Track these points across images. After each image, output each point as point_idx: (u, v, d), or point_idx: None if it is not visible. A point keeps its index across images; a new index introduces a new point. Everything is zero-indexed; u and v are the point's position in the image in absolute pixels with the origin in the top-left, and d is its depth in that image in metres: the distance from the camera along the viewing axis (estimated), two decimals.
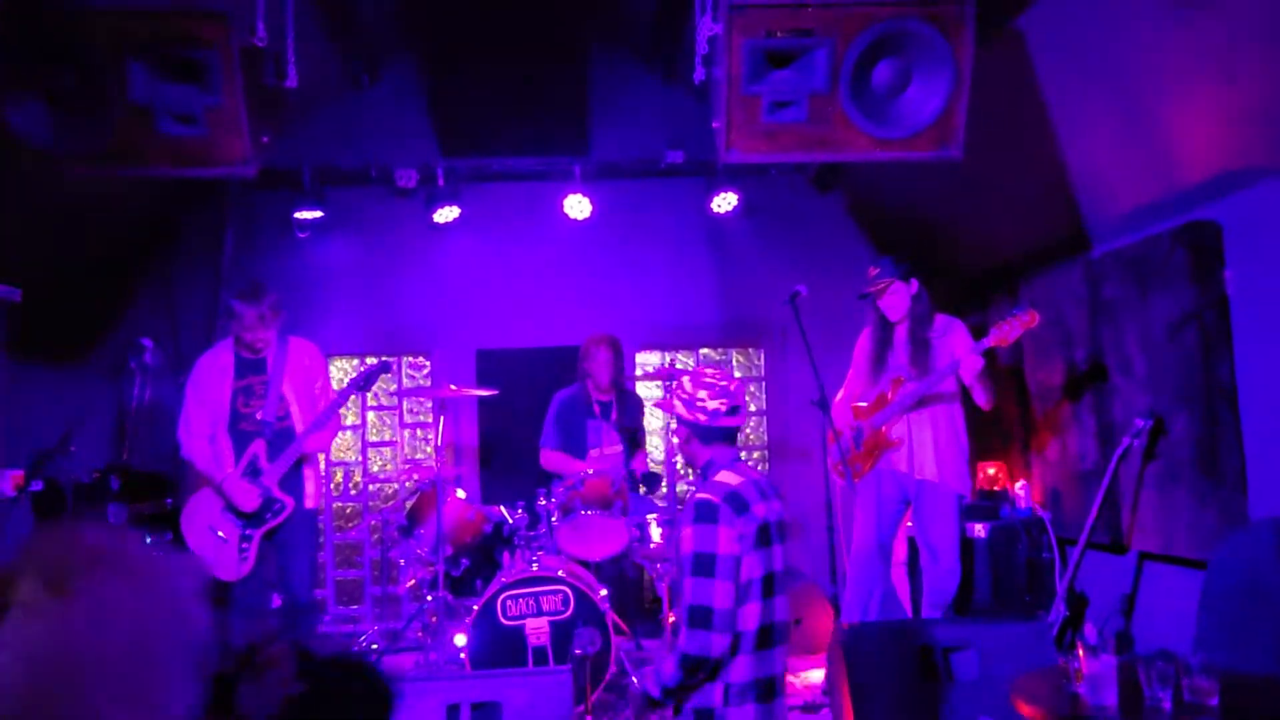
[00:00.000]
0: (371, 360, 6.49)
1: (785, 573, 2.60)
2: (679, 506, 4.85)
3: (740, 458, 2.73)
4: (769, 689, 2.50)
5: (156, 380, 5.81)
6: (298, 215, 5.84)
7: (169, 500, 5.25)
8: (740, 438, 6.66)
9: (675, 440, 2.77)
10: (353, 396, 4.86)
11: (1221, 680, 2.32)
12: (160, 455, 5.74)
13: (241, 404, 4.12)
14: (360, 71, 6.04)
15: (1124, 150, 3.94)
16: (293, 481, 4.13)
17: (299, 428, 4.14)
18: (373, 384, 4.35)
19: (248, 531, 4.03)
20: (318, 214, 5.85)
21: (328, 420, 4.20)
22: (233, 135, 3.52)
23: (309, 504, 4.19)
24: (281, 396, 4.15)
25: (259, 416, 4.10)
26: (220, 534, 4.03)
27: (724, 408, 2.64)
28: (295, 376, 4.20)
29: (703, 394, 2.65)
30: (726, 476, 2.57)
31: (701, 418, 2.64)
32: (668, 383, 2.81)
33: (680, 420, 2.69)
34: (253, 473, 4.04)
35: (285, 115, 4.06)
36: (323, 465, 5.12)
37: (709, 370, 2.74)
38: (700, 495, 2.50)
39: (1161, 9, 3.20)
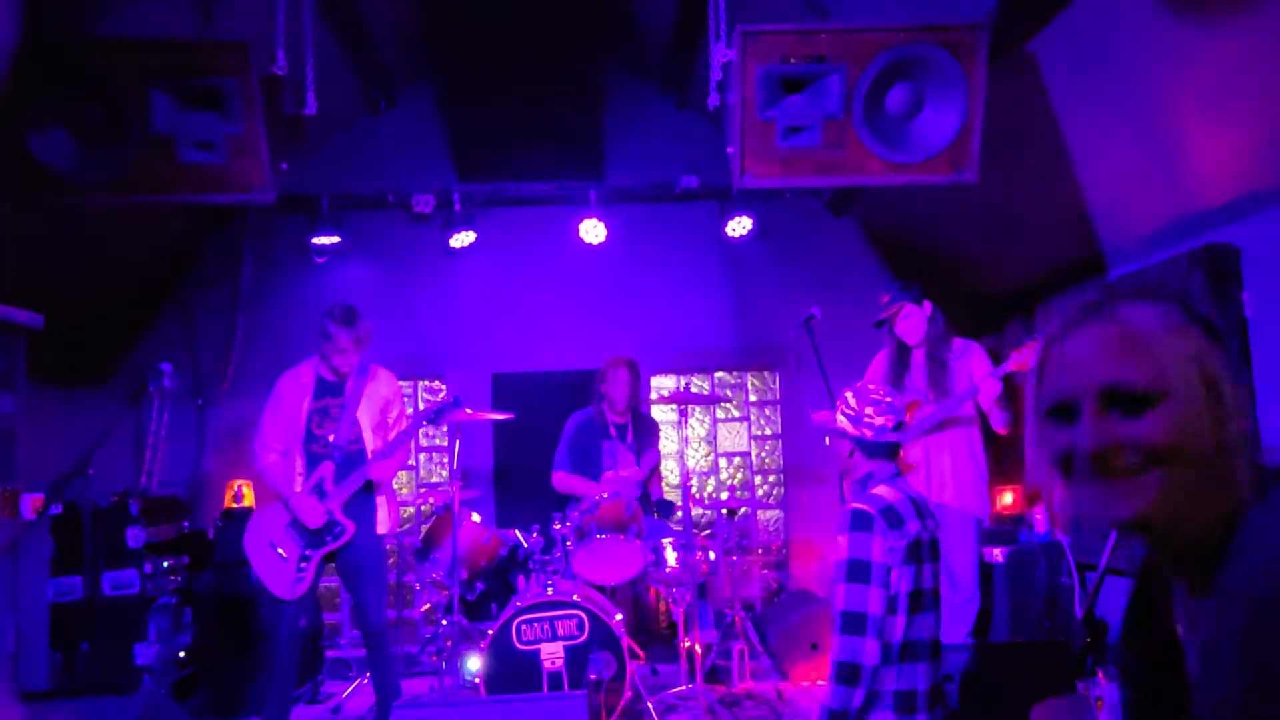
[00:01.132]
0: None
1: (934, 592, 2.64)
2: (695, 531, 4.83)
3: (899, 473, 2.77)
4: (909, 702, 2.52)
5: (175, 404, 5.86)
6: (315, 240, 5.89)
7: (185, 524, 5.27)
8: (755, 460, 6.67)
9: (844, 454, 2.84)
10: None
11: None
12: (178, 479, 5.79)
13: (316, 425, 4.14)
14: (378, 98, 6.12)
15: (1140, 173, 3.93)
16: (361, 507, 4.11)
17: (369, 454, 4.15)
18: (444, 418, 4.32)
19: (307, 552, 4.03)
20: (335, 239, 5.90)
21: (395, 450, 4.19)
22: (252, 162, 3.57)
23: (380, 529, 4.17)
24: (355, 422, 4.15)
25: (330, 439, 4.11)
26: (281, 551, 4.04)
27: (890, 424, 2.72)
28: (372, 404, 4.22)
29: (869, 410, 2.73)
30: (884, 491, 2.63)
31: (868, 433, 2.72)
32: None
33: (846, 436, 2.76)
34: (318, 494, 4.05)
35: (304, 141, 4.12)
36: None
37: (873, 386, 2.82)
38: (855, 505, 2.57)
39: (1175, 31, 3.20)
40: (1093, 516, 1.04)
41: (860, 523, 2.52)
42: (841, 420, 2.77)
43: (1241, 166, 3.46)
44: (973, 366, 4.35)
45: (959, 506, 4.27)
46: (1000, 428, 4.28)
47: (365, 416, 4.18)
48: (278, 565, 4.03)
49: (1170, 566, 1.09)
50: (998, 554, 4.80)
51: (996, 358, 4.33)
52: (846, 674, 2.44)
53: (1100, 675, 2.49)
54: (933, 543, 2.65)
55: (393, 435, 4.21)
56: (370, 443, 4.16)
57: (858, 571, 2.47)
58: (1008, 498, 5.38)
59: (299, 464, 4.10)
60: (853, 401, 2.76)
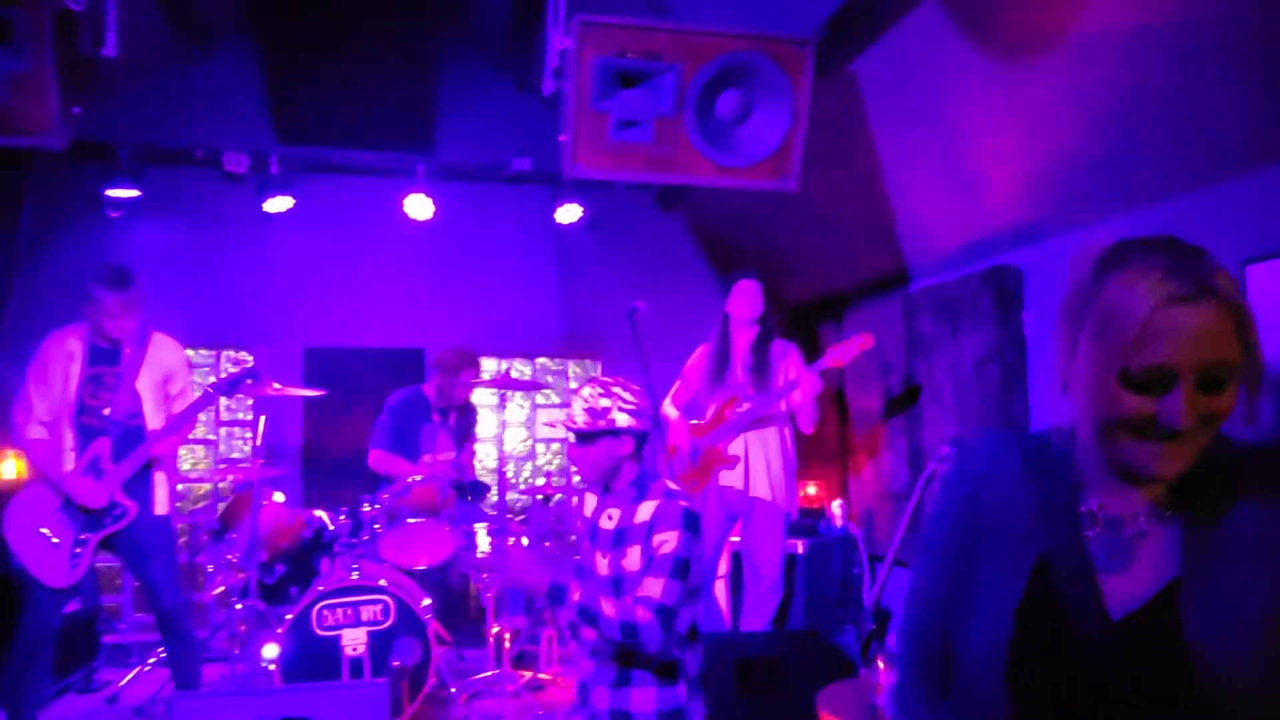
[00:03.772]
0: (193, 354, 6.15)
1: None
2: (509, 516, 4.81)
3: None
4: (700, 682, 2.57)
5: None
6: (110, 193, 5.43)
7: None
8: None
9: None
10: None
11: None
12: None
13: (89, 395, 3.77)
14: (191, 46, 5.69)
15: (941, 194, 4.22)
16: (139, 486, 3.80)
17: (150, 428, 3.83)
18: (237, 389, 4.05)
19: (82, 536, 3.68)
20: (133, 193, 5.45)
21: (182, 425, 3.90)
22: (39, 103, 3.26)
23: (158, 510, 3.86)
24: (134, 393, 3.82)
25: (106, 412, 3.75)
26: (52, 537, 3.66)
27: None
28: (153, 373, 3.88)
29: (638, 404, 2.53)
30: (675, 486, 2.53)
31: (647, 427, 2.53)
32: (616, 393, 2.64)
33: (625, 432, 2.51)
34: (94, 473, 3.70)
35: (102, 86, 3.79)
36: None
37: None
38: (686, 505, 2.45)
39: (976, 67, 3.45)
40: (1139, 469, 1.09)
41: (693, 524, 2.43)
42: (623, 418, 2.50)
43: (1025, 194, 3.78)
44: (790, 366, 4.54)
45: (771, 501, 4.45)
46: (807, 427, 4.49)
47: (146, 387, 3.87)
48: (48, 551, 3.66)
49: (1172, 507, 1.15)
50: (799, 546, 5.06)
51: (810, 360, 4.54)
52: (651, 652, 2.36)
53: (881, 660, 2.67)
54: None
55: (179, 408, 3.93)
56: (151, 416, 3.87)
57: (681, 570, 2.39)
58: (811, 490, 5.68)
59: (70, 438, 3.74)
60: (628, 395, 2.53)
